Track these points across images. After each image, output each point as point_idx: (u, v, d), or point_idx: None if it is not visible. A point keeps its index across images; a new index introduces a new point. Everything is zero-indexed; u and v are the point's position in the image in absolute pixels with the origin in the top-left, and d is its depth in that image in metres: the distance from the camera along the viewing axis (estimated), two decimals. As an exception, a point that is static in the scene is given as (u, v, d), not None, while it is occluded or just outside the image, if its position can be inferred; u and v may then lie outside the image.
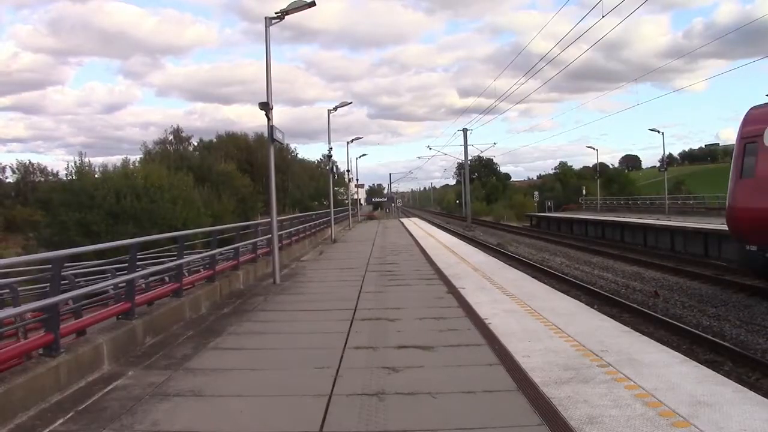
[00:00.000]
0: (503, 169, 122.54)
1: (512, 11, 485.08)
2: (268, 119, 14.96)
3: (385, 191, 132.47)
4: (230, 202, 51.48)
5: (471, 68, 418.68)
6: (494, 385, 6.49)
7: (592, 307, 12.31)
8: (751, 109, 17.53)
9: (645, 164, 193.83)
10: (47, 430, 5.48)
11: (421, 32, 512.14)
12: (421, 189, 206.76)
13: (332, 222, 34.85)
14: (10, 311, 7.78)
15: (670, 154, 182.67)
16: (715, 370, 7.31)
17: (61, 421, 5.68)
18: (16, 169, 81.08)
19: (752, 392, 6.05)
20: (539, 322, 9.53)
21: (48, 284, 7.19)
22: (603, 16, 21.53)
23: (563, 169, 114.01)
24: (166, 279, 12.02)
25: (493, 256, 22.91)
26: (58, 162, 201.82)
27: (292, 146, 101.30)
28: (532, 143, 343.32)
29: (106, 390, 6.62)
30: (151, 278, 11.43)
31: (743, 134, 17.26)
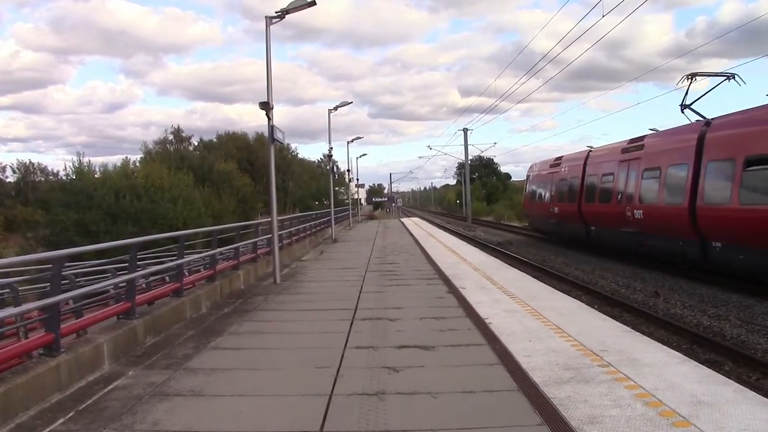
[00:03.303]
0: (504, 168, 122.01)
1: (516, 10, 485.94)
2: (269, 119, 14.96)
3: (386, 191, 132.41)
4: (230, 202, 51.45)
5: (473, 67, 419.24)
6: (494, 385, 6.49)
7: (593, 307, 12.31)
8: (535, 162, 39.50)
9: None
10: (48, 429, 5.48)
11: (424, 31, 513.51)
12: (422, 189, 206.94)
13: (332, 222, 34.86)
14: (10, 311, 7.81)
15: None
16: (715, 370, 7.32)
17: (61, 420, 5.69)
18: (17, 168, 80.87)
19: (752, 392, 6.06)
20: (540, 322, 9.53)
21: (48, 284, 7.18)
22: (603, 15, 21.61)
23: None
24: (167, 279, 12.04)
25: (494, 256, 22.91)
26: (59, 161, 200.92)
27: (293, 146, 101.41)
28: (533, 143, 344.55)
29: (106, 390, 6.63)
30: (152, 278, 11.45)
31: (527, 174, 40.54)
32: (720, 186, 17.32)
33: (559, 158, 33.38)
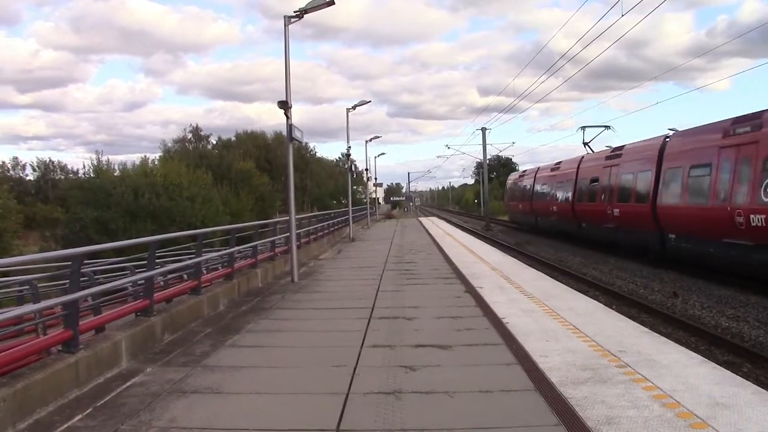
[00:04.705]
0: (522, 168, 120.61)
1: (536, 9, 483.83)
2: (287, 118, 14.96)
3: (404, 190, 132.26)
4: (249, 201, 51.79)
5: (493, 66, 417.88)
6: (511, 385, 6.47)
7: (611, 308, 12.22)
8: (511, 173, 63.46)
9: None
10: (66, 425, 5.53)
11: (443, 30, 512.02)
12: (440, 188, 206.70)
13: (350, 221, 34.89)
14: (30, 307, 7.90)
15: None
16: (733, 372, 7.23)
17: (79, 416, 5.74)
18: (37, 166, 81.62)
19: (772, 394, 5.99)
20: (557, 321, 9.49)
21: (67, 281, 7.25)
22: (623, 14, 21.48)
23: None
24: (185, 277, 12.11)
25: (511, 256, 22.79)
26: (78, 160, 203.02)
27: (311, 145, 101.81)
28: (551, 142, 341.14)
29: (124, 386, 6.69)
30: (170, 276, 11.55)
31: (506, 181, 61.51)
32: (584, 193, 31.33)
33: (524, 171, 50.29)
